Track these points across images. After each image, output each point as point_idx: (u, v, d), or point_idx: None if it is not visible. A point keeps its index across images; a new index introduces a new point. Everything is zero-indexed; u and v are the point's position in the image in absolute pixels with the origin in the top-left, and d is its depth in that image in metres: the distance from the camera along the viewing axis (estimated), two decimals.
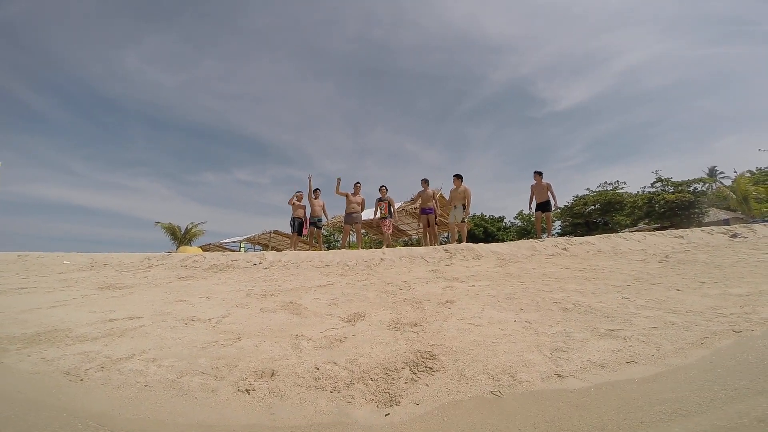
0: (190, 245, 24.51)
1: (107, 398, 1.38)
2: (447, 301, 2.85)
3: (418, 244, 11.82)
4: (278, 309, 2.76)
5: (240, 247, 25.44)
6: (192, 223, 24.07)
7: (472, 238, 29.46)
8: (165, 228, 23.48)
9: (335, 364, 1.71)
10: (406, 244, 27.33)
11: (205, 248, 25.96)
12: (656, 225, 26.16)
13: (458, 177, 7.78)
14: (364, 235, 15.56)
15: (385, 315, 2.55)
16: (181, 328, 2.21)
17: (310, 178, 8.38)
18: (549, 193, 8.04)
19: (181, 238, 23.41)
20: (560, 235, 33.86)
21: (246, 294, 3.36)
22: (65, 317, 2.37)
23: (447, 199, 8.51)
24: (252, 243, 25.47)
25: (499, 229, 31.11)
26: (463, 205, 7.70)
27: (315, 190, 8.58)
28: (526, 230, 30.78)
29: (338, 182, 8.10)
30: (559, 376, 1.49)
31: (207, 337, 2.04)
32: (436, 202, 8.25)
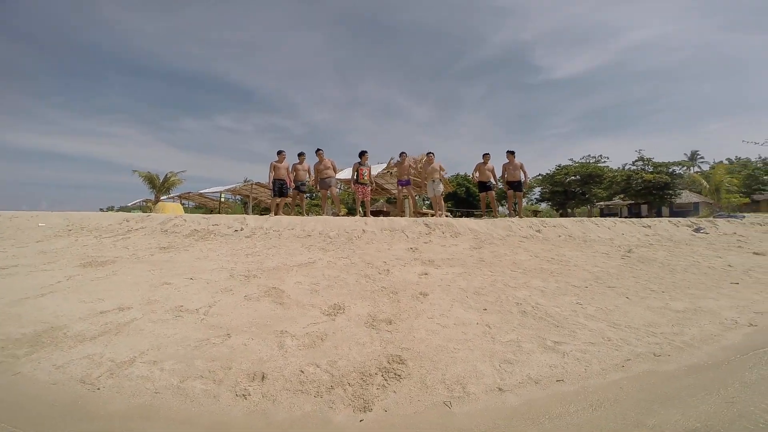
0: (169, 194, 23.96)
1: (126, 407, 1.55)
2: (420, 294, 3.09)
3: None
4: (261, 296, 2.93)
5: (221, 197, 25.08)
6: (171, 171, 23.25)
7: (454, 197, 30.08)
8: (143, 176, 22.63)
9: (317, 366, 1.92)
10: (388, 201, 27.60)
11: (185, 197, 25.49)
12: (630, 201, 27.19)
13: (431, 154, 8.84)
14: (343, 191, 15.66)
15: (364, 308, 2.76)
16: (172, 321, 2.36)
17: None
18: (521, 172, 8.46)
19: (160, 186, 22.73)
20: (538, 200, 34.83)
21: (229, 275, 3.50)
22: (57, 310, 2.47)
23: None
24: (233, 194, 25.11)
25: None
26: (440, 179, 8.78)
27: (299, 154, 8.53)
28: (506, 195, 31.50)
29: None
30: (500, 390, 1.74)
31: (198, 334, 2.21)
32: (416, 171, 8.84)
